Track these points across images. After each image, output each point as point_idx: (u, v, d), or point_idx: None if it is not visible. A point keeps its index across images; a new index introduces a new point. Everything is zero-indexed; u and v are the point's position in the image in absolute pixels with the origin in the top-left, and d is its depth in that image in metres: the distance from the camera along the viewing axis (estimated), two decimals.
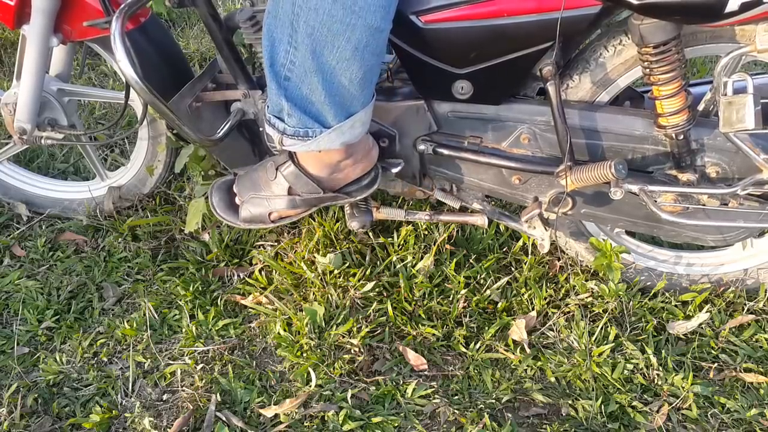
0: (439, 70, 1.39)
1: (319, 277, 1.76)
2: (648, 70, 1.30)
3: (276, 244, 1.88)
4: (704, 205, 1.41)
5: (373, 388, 1.56)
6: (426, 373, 1.61)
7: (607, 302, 1.67)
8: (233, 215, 1.60)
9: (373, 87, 1.35)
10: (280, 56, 1.27)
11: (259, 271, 1.82)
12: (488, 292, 1.72)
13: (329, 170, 1.47)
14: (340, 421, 1.47)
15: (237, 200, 1.60)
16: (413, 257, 1.79)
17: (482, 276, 1.76)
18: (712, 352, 1.60)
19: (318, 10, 1.19)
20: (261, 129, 1.62)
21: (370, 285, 1.73)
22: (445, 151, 1.52)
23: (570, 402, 1.51)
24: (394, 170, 1.57)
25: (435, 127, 1.51)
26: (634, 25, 1.25)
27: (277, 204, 1.53)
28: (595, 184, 1.39)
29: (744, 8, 1.11)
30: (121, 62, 1.36)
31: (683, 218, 1.43)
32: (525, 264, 1.77)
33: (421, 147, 1.53)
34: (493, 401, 1.53)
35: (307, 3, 1.20)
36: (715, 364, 1.57)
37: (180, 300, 1.78)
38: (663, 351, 1.59)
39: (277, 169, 1.49)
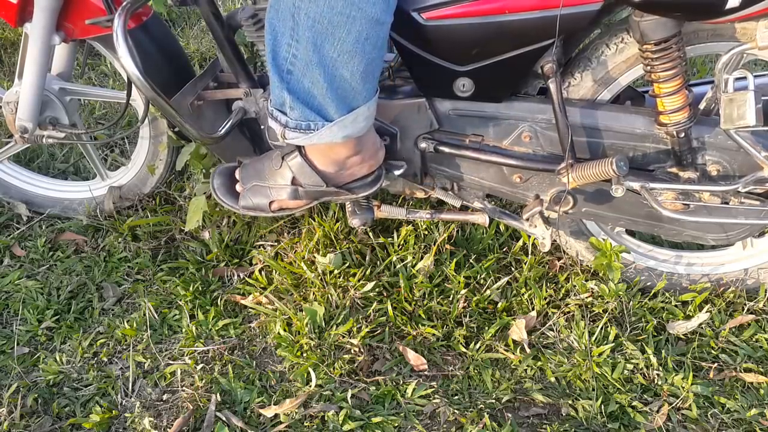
0: (441, 67, 1.40)
1: (319, 277, 1.76)
2: (649, 67, 1.30)
3: (276, 244, 1.87)
4: (705, 202, 1.42)
5: (373, 388, 1.56)
6: (426, 373, 1.60)
7: (607, 302, 1.67)
8: (233, 200, 1.60)
9: (376, 82, 1.35)
10: (282, 49, 1.28)
11: (259, 271, 1.82)
12: (488, 292, 1.72)
13: (336, 166, 1.47)
14: (340, 421, 1.47)
15: (238, 187, 1.60)
16: (413, 257, 1.78)
17: (482, 276, 1.76)
18: (712, 352, 1.60)
19: (318, 1, 1.20)
20: (262, 127, 1.63)
21: (370, 285, 1.73)
22: (447, 149, 1.52)
23: (570, 402, 1.51)
24: (397, 172, 1.57)
25: (436, 125, 1.51)
26: (635, 22, 1.26)
27: (280, 194, 1.52)
28: (597, 181, 1.39)
29: (745, 4, 1.13)
30: (124, 59, 1.36)
31: (684, 216, 1.43)
32: (525, 264, 1.77)
33: (423, 145, 1.54)
34: (493, 401, 1.53)
35: None
36: (715, 364, 1.57)
37: (180, 300, 1.77)
38: (663, 351, 1.59)
39: (283, 158, 1.49)
